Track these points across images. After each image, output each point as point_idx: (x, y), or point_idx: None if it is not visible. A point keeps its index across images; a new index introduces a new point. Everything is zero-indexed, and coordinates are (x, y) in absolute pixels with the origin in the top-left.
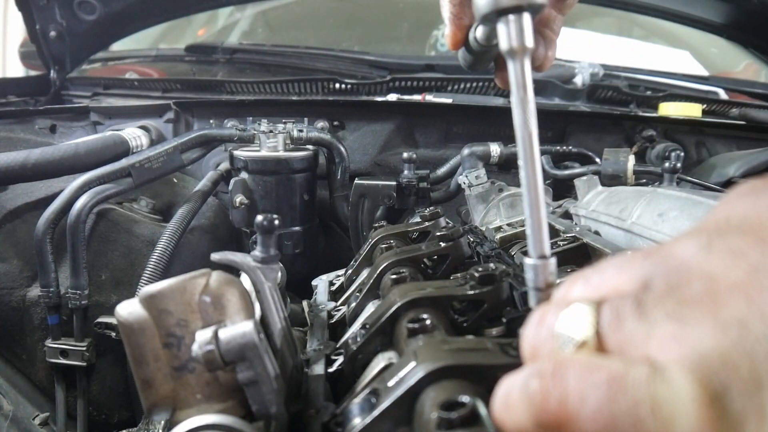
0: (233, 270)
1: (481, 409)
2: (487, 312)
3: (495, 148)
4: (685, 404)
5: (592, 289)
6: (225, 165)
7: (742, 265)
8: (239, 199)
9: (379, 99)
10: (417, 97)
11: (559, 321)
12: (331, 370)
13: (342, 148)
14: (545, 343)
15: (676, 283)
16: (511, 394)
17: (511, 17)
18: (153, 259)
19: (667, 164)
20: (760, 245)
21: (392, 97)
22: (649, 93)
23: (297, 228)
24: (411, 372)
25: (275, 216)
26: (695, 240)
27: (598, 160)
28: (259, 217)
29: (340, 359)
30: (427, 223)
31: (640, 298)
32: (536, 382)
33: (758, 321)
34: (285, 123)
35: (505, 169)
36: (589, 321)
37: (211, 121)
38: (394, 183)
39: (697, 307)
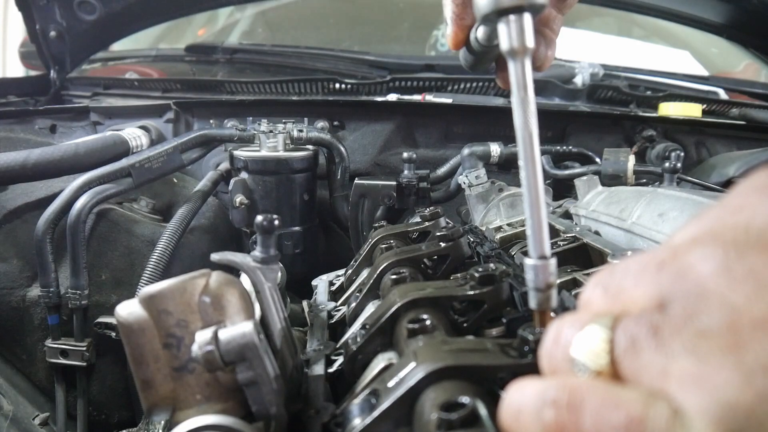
0: (233, 270)
1: (481, 409)
2: (487, 312)
3: (495, 148)
4: None
5: (609, 302)
6: (225, 165)
7: (767, 296)
8: (239, 199)
9: (379, 99)
10: (417, 97)
11: (574, 346)
12: (331, 370)
13: (342, 148)
14: (561, 365)
15: (694, 309)
16: (523, 413)
17: (512, 17)
18: (153, 259)
19: (667, 164)
20: None
21: (392, 97)
22: (649, 93)
23: (297, 228)
24: (411, 372)
25: (275, 216)
26: (712, 254)
27: (598, 160)
28: (259, 217)
29: (340, 359)
30: (427, 223)
31: (656, 324)
32: (551, 413)
33: None
34: (285, 123)
35: (505, 169)
36: (603, 348)
37: (211, 121)
38: (394, 183)
39: (718, 342)
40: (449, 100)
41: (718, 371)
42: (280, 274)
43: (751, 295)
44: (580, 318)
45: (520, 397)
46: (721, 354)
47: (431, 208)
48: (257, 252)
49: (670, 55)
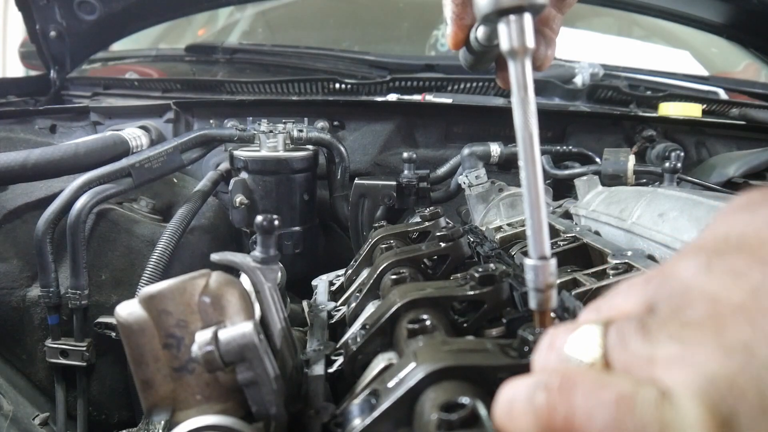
0: (233, 270)
1: (481, 410)
2: (487, 312)
3: (495, 148)
4: (693, 428)
5: (601, 316)
6: (225, 165)
7: (744, 285)
8: (239, 199)
9: (379, 99)
10: (417, 97)
11: (568, 344)
12: (331, 370)
13: (342, 148)
14: (555, 365)
15: (678, 305)
16: (515, 403)
17: (512, 17)
18: (153, 259)
19: (667, 164)
20: (760, 265)
21: (392, 97)
22: (649, 93)
23: (297, 228)
24: (411, 373)
25: (275, 216)
26: (694, 260)
27: (598, 160)
28: (259, 218)
29: (340, 360)
30: (427, 223)
31: (644, 320)
32: (543, 396)
33: (763, 345)
34: (285, 123)
35: (505, 169)
36: (596, 342)
37: (211, 121)
38: (394, 183)
39: (700, 329)
40: (449, 100)
41: (701, 351)
42: (280, 274)
43: (730, 285)
44: (574, 324)
45: (512, 390)
46: (704, 337)
47: (431, 208)
48: (257, 252)
49: (670, 55)
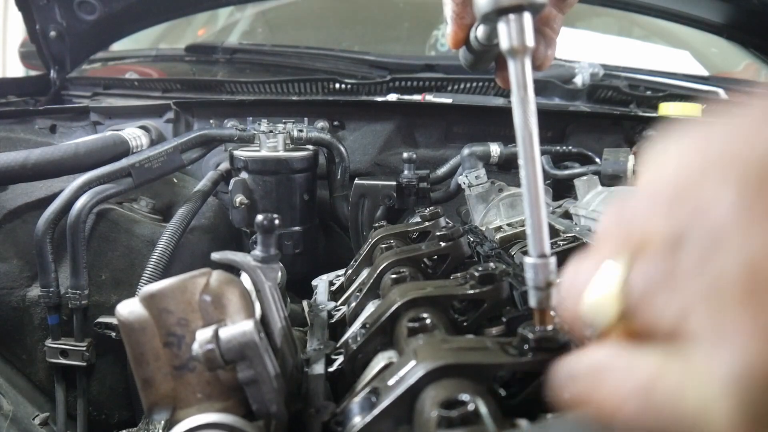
0: (233, 270)
1: (481, 407)
2: (486, 311)
3: (495, 148)
4: (722, 421)
5: (623, 238)
6: (225, 165)
7: None
8: (239, 199)
9: (379, 99)
10: (417, 97)
11: (588, 294)
12: (331, 369)
13: (342, 148)
14: (575, 320)
15: (710, 250)
16: (568, 378)
17: (512, 17)
18: (153, 259)
19: None
20: None
21: (392, 97)
22: (649, 93)
23: (297, 228)
24: (411, 371)
25: (275, 216)
26: (729, 189)
27: (598, 160)
28: (259, 217)
29: (340, 359)
30: (427, 223)
31: (670, 266)
32: (577, 385)
33: None
34: (285, 123)
35: (505, 169)
36: (617, 297)
37: (211, 121)
38: (394, 183)
39: (736, 297)
40: (449, 100)
41: (737, 330)
42: (280, 273)
43: None
44: (597, 255)
45: (567, 365)
46: (739, 310)
47: (431, 208)
48: (257, 251)
49: (670, 55)
